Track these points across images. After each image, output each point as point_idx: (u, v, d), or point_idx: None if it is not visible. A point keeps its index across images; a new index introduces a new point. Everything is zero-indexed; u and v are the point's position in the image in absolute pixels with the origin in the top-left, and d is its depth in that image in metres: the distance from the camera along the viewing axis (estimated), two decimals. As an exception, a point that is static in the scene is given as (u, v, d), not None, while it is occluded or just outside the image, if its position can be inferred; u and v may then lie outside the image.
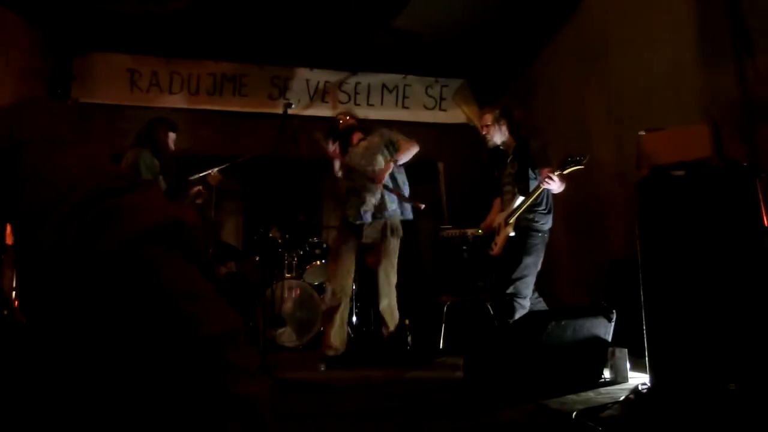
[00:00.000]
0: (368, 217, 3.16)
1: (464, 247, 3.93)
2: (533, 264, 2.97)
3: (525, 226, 3.01)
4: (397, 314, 3.20)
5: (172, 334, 0.55)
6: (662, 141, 2.11)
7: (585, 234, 3.84)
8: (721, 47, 2.63)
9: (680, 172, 1.97)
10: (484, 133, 3.20)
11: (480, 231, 3.50)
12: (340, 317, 3.11)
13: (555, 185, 2.80)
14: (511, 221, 2.99)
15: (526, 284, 2.92)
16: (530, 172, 3.03)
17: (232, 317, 0.63)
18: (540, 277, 3.07)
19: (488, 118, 3.18)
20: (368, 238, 3.19)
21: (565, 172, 2.76)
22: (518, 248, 2.99)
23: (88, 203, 0.55)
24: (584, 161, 2.73)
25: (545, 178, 2.79)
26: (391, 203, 3.20)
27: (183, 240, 0.62)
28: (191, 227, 0.64)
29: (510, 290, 2.89)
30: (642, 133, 2.25)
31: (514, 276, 2.91)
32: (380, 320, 3.23)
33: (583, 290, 3.78)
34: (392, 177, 3.23)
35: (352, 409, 2.19)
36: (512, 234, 2.99)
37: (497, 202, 3.24)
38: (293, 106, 3.06)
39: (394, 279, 3.21)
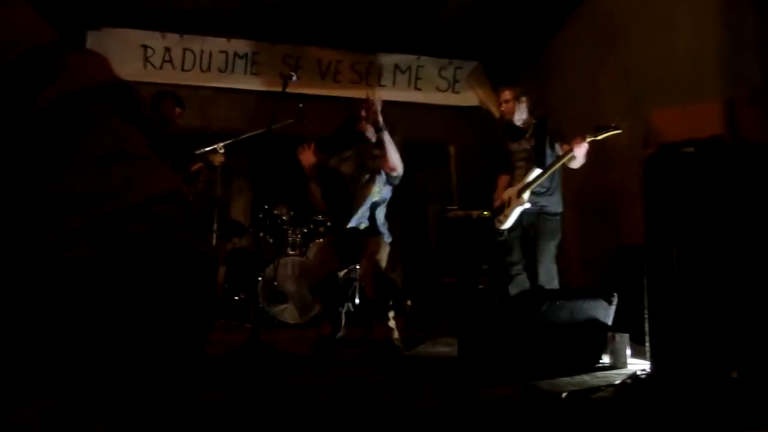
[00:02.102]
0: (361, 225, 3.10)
1: (469, 230, 3.88)
2: (554, 248, 3.02)
3: (538, 212, 3.01)
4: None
5: (112, 191, 0.51)
6: (672, 118, 2.02)
7: (598, 220, 3.75)
8: (745, 28, 2.50)
9: (690, 149, 1.88)
10: (502, 109, 3.19)
11: (486, 213, 3.47)
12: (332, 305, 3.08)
13: (581, 152, 2.81)
14: (525, 194, 2.97)
15: (553, 268, 2.98)
16: (547, 148, 3.01)
17: (174, 179, 0.58)
18: None
19: (508, 95, 3.19)
20: (350, 244, 3.07)
21: (599, 138, 2.78)
22: (536, 236, 3.01)
23: (33, 59, 0.51)
24: (623, 126, 2.70)
25: (577, 143, 2.79)
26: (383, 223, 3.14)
27: (130, 104, 0.57)
28: (138, 93, 0.60)
29: (544, 279, 2.93)
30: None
31: (542, 265, 2.95)
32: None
33: (593, 276, 3.70)
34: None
35: (343, 381, 2.20)
36: (528, 206, 2.97)
37: (504, 179, 3.23)
38: (294, 78, 3.01)
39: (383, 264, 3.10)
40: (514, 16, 4.35)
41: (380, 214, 3.15)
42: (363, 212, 3.11)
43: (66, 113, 0.52)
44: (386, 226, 3.17)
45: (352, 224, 3.10)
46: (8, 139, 0.50)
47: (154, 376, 0.52)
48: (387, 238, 3.13)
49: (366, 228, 3.10)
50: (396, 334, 2.87)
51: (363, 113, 3.14)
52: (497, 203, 3.20)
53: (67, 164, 0.51)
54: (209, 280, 0.55)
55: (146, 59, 4.55)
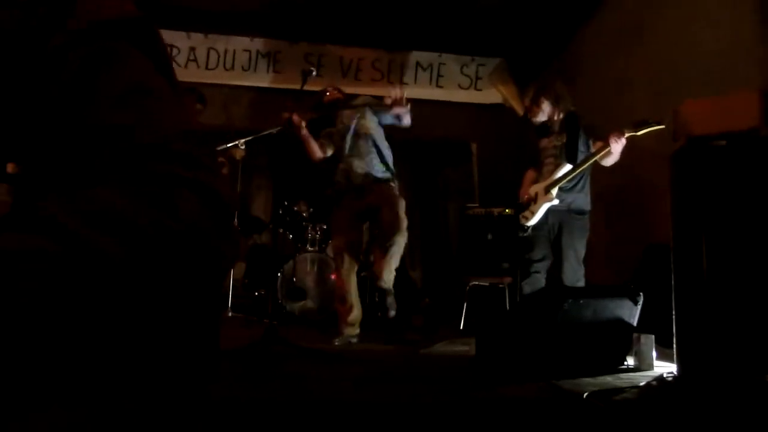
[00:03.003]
0: (377, 173, 3.12)
1: (489, 228, 3.82)
2: (582, 247, 2.96)
3: (566, 209, 2.95)
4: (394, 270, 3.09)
5: (133, 126, 0.49)
6: (703, 110, 1.93)
7: (625, 216, 3.64)
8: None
9: (721, 143, 1.79)
10: (528, 111, 3.15)
11: (508, 210, 3.41)
12: (349, 289, 3.07)
13: (618, 148, 2.73)
14: (553, 190, 2.91)
15: (579, 268, 2.93)
16: (580, 145, 2.94)
17: (192, 116, 0.57)
18: None
19: (527, 101, 3.20)
20: (371, 195, 3.10)
21: (639, 134, 2.67)
22: (561, 233, 2.95)
23: None
24: (664, 122, 2.59)
25: (615, 137, 2.72)
26: (385, 167, 3.17)
27: (149, 40, 0.55)
28: (157, 30, 0.58)
29: (569, 279, 2.88)
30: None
31: (568, 264, 2.89)
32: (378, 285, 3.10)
33: (620, 275, 3.60)
34: (378, 146, 3.18)
35: (360, 376, 2.18)
36: (556, 202, 2.92)
37: (531, 174, 3.17)
38: (314, 73, 3.02)
39: (405, 220, 3.09)
40: (538, 11, 4.27)
41: (387, 152, 3.20)
42: (369, 154, 3.13)
43: (85, 46, 0.50)
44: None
45: (378, 175, 3.12)
46: (27, 73, 0.49)
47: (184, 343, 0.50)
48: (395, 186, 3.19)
49: (377, 178, 3.13)
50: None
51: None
52: (524, 199, 3.14)
53: (86, 99, 0.49)
54: (231, 220, 0.52)
55: (172, 59, 4.65)
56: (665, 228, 2.70)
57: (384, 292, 3.02)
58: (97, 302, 0.42)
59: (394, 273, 3.06)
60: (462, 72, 5.11)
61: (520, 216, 3.09)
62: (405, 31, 4.74)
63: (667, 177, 2.01)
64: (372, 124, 3.20)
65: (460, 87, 5.12)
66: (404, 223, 3.05)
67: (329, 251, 4.02)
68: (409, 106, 3.09)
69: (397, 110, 3.08)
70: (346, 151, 3.16)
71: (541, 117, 3.09)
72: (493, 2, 4.22)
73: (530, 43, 4.73)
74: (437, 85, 5.09)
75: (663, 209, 2.98)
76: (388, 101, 3.11)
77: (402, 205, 3.13)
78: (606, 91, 3.97)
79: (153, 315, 0.46)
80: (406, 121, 3.16)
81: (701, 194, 1.89)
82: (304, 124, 3.17)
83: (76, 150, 0.48)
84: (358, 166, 3.12)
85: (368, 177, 3.10)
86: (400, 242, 3.03)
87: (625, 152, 2.84)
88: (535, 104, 3.09)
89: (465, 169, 5.37)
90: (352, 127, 3.17)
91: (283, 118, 3.14)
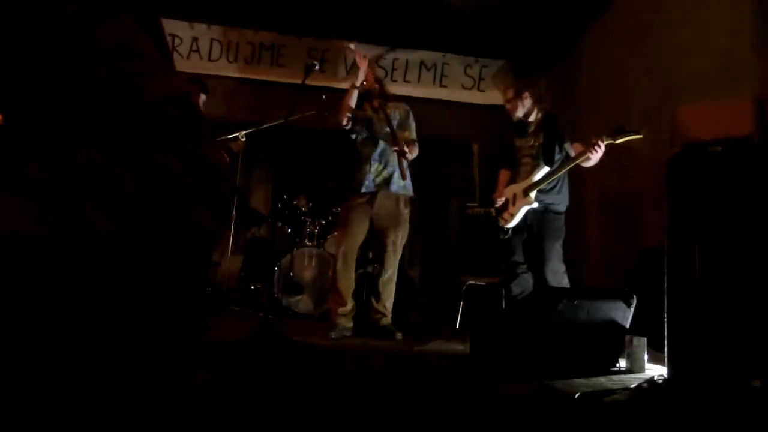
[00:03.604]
0: (393, 187, 3.12)
1: (488, 228, 3.84)
2: (560, 247, 2.95)
3: (543, 210, 2.95)
4: (393, 293, 3.15)
5: (120, 87, 0.46)
6: (699, 116, 1.95)
7: (621, 220, 3.66)
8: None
9: (717, 149, 1.81)
10: (507, 107, 3.14)
11: (493, 210, 3.43)
12: (346, 285, 3.09)
13: (597, 156, 2.73)
14: (532, 193, 2.91)
15: (560, 267, 2.92)
16: (557, 146, 2.93)
17: (183, 84, 0.54)
18: (571, 264, 3.00)
19: (510, 92, 3.16)
20: (383, 208, 3.12)
21: (617, 142, 2.69)
22: (541, 234, 2.94)
23: None
24: (643, 132, 2.60)
25: (593, 146, 2.71)
26: (403, 178, 3.17)
27: (141, 6, 0.53)
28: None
29: (553, 279, 2.88)
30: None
31: (549, 265, 2.89)
32: (375, 294, 3.16)
33: (615, 278, 3.62)
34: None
35: (353, 372, 2.20)
36: (535, 205, 2.92)
37: (505, 174, 3.17)
38: (316, 67, 3.03)
39: (400, 252, 3.16)
40: (541, 15, 4.28)
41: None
42: (394, 165, 3.11)
43: (72, 5, 0.48)
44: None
45: (393, 189, 3.11)
46: (11, 30, 0.46)
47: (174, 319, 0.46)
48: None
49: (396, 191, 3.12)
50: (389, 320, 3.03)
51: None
52: (500, 201, 3.13)
53: (72, 58, 0.47)
54: (221, 188, 0.49)
55: (174, 48, 4.65)
56: (660, 232, 2.73)
57: (386, 329, 3.06)
58: (91, 289, 0.39)
59: (392, 300, 3.13)
60: (465, 73, 5.12)
61: (499, 218, 3.10)
62: (410, 29, 4.74)
63: (663, 182, 2.03)
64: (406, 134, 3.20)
65: (464, 87, 5.14)
66: (401, 250, 3.15)
67: (328, 247, 4.04)
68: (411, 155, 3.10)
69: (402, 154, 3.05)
70: (374, 154, 3.13)
71: (520, 112, 3.07)
72: (496, 4, 4.23)
73: (533, 46, 4.75)
74: (441, 85, 5.11)
75: (658, 214, 3.01)
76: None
77: (407, 231, 3.17)
78: (607, 94, 3.99)
79: (141, 298, 0.43)
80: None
81: (696, 200, 1.91)
82: (364, 81, 3.16)
83: (57, 109, 0.45)
84: (381, 173, 3.11)
85: (386, 187, 3.11)
86: (396, 266, 3.13)
87: (621, 157, 2.86)
88: (518, 97, 3.07)
89: (466, 168, 5.39)
90: (386, 131, 3.13)
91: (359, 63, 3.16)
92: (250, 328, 2.59)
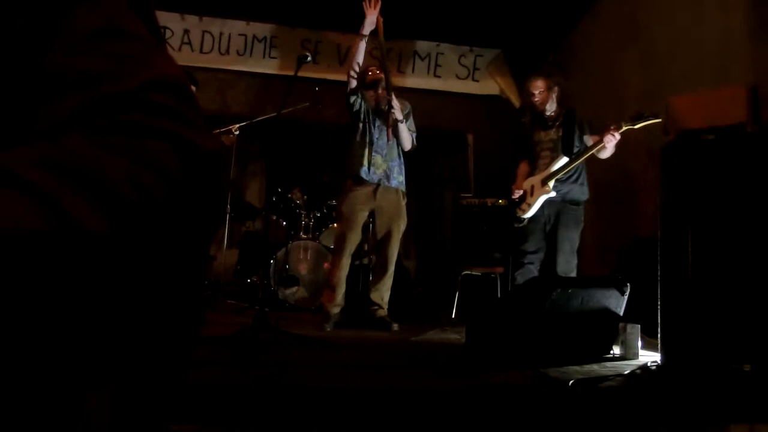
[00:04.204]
0: (394, 182, 3.12)
1: (483, 218, 3.85)
2: (577, 238, 3.02)
3: (561, 200, 3.00)
4: (390, 286, 3.16)
5: (105, 71, 0.43)
6: (693, 105, 1.95)
7: (616, 208, 3.69)
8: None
9: (710, 137, 1.82)
10: (536, 99, 3.14)
11: (501, 201, 3.45)
12: (345, 273, 3.10)
13: (613, 143, 2.78)
14: (550, 183, 2.96)
15: (572, 258, 2.98)
16: (575, 139, 3.00)
17: (176, 67, 0.49)
18: None
19: (542, 84, 3.15)
20: (386, 201, 3.11)
21: (636, 127, 2.73)
22: (557, 223, 3.00)
23: None
24: (662, 116, 2.62)
25: (611, 132, 2.76)
26: (401, 174, 3.18)
27: None
28: None
29: (563, 269, 2.93)
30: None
31: (562, 254, 2.94)
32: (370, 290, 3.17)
33: (609, 266, 3.65)
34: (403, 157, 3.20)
35: (351, 362, 2.21)
36: (553, 194, 2.97)
37: (524, 168, 3.20)
38: (308, 59, 3.00)
39: (398, 245, 3.18)
40: (536, 4, 4.25)
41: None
42: (394, 160, 3.11)
43: None
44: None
45: (393, 184, 3.11)
46: None
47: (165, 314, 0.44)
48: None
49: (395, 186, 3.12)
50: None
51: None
52: (518, 193, 3.16)
53: (49, 41, 0.43)
54: (216, 178, 0.46)
55: (165, 40, 4.59)
56: (653, 221, 2.74)
57: (382, 320, 3.08)
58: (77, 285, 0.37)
59: (389, 292, 3.14)
60: (460, 62, 5.09)
61: (517, 209, 3.13)
62: (404, 19, 4.71)
63: (657, 171, 2.04)
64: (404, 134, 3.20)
65: (458, 77, 5.11)
66: (399, 240, 3.16)
67: (323, 239, 4.04)
68: (397, 106, 3.05)
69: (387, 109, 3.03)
70: (375, 145, 3.11)
71: (549, 106, 3.10)
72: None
73: (528, 36, 4.72)
74: (435, 75, 5.07)
75: (651, 202, 3.04)
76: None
77: (406, 224, 3.18)
78: (600, 84, 3.98)
79: (132, 292, 0.41)
80: (405, 145, 3.16)
81: (689, 188, 1.92)
82: (372, 25, 3.10)
83: (38, 98, 0.42)
84: (381, 165, 3.10)
85: (386, 180, 3.11)
86: (396, 256, 3.13)
87: (618, 146, 2.88)
88: (550, 90, 3.10)
89: (461, 159, 5.38)
90: (389, 127, 3.11)
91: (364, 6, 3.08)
92: (247, 322, 2.60)
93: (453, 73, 5.09)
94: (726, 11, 2.73)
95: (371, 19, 3.10)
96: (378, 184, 3.10)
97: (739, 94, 1.84)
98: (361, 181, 3.09)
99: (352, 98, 3.17)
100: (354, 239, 3.10)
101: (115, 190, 0.38)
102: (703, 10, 2.93)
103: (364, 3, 3.14)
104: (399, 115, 3.06)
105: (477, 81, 5.13)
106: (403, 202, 3.18)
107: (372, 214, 3.18)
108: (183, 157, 0.43)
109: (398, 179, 3.15)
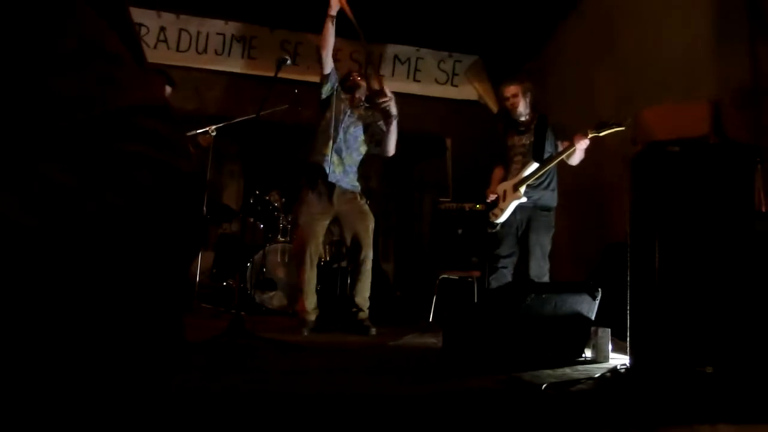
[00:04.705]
0: (348, 186, 3.12)
1: (460, 222, 3.90)
2: (548, 243, 3.08)
3: (532, 206, 3.05)
4: (369, 285, 3.17)
5: (87, 94, 0.43)
6: (660, 117, 2.03)
7: (589, 215, 3.78)
8: (738, 29, 2.51)
9: (675, 149, 1.89)
10: (510, 103, 3.19)
11: (479, 206, 3.51)
12: (313, 283, 3.11)
13: (582, 147, 2.87)
14: (521, 188, 3.01)
15: (545, 263, 3.03)
16: (547, 144, 3.07)
17: (160, 89, 0.52)
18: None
19: (515, 89, 3.20)
20: (345, 204, 3.11)
21: (601, 134, 2.81)
22: (529, 229, 3.06)
23: None
24: (626, 124, 2.71)
25: (579, 138, 2.84)
26: (356, 180, 3.20)
27: (112, 5, 0.49)
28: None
29: (535, 273, 2.98)
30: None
31: (534, 259, 3.00)
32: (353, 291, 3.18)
33: (581, 273, 3.74)
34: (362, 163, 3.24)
35: (329, 368, 2.21)
36: (524, 200, 3.02)
37: (499, 172, 3.26)
38: (288, 62, 3.00)
39: (372, 241, 3.18)
40: (514, 11, 4.34)
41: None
42: (351, 166, 3.13)
43: (35, 4, 0.43)
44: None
45: (345, 185, 3.10)
46: None
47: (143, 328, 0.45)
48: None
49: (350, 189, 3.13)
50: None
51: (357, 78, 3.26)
52: (492, 197, 3.22)
53: (34, 60, 0.43)
54: (195, 198, 0.48)
55: (140, 38, 4.51)
56: (624, 227, 2.83)
57: (361, 324, 3.09)
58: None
59: (369, 291, 3.13)
60: (439, 67, 5.15)
61: (490, 213, 3.19)
62: (384, 23, 4.73)
63: (627, 180, 2.11)
64: (367, 145, 3.23)
65: (437, 82, 5.17)
66: (371, 238, 3.14)
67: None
68: (392, 96, 3.03)
69: (382, 101, 3.01)
70: (336, 144, 3.10)
71: (523, 110, 3.17)
72: (470, 0, 4.26)
73: (506, 43, 4.81)
74: (414, 79, 5.12)
75: (623, 210, 3.13)
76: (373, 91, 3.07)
77: (373, 220, 3.18)
78: (575, 92, 4.09)
79: (98, 301, 0.41)
80: (389, 148, 3.16)
81: (656, 196, 1.99)
82: (338, 5, 3.05)
83: (19, 119, 0.42)
84: (337, 166, 3.10)
85: (341, 183, 3.10)
86: (370, 256, 3.12)
87: (589, 154, 2.97)
88: (524, 96, 3.17)
89: (440, 163, 5.44)
90: (357, 134, 3.15)
91: None
92: (223, 326, 2.57)
93: (432, 78, 5.14)
94: (690, 27, 2.85)
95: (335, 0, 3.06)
96: (334, 186, 3.08)
97: (702, 108, 1.93)
98: (316, 185, 3.08)
99: (326, 87, 3.17)
100: (315, 250, 3.09)
101: (58, 194, 0.39)
102: (671, 24, 3.04)
103: None
104: (394, 110, 3.05)
105: (456, 86, 5.20)
106: (363, 202, 3.18)
107: (336, 221, 3.18)
108: (161, 180, 0.44)
109: (353, 183, 3.16)
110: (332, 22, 3.10)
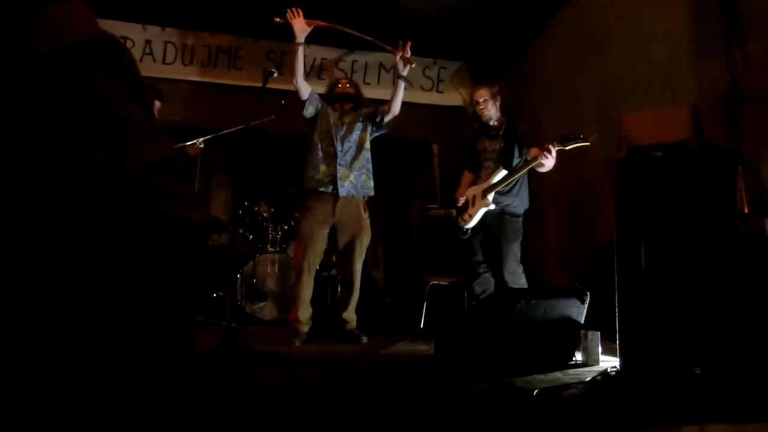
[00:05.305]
0: (354, 191, 3.13)
1: (449, 228, 3.92)
2: (518, 248, 3.05)
3: (501, 212, 3.04)
4: (357, 299, 3.18)
5: (101, 159, 0.46)
6: (642, 122, 2.07)
7: (575, 221, 3.82)
8: (716, 35, 2.57)
9: (658, 153, 1.93)
10: (480, 107, 3.20)
11: (453, 211, 3.51)
12: (309, 293, 3.09)
13: (550, 161, 2.83)
14: (490, 195, 3.01)
15: (518, 268, 3.01)
16: (516, 150, 3.04)
17: (168, 146, 0.54)
18: (530, 262, 3.10)
19: (485, 93, 3.22)
20: (346, 215, 3.12)
21: (567, 148, 2.80)
22: (498, 235, 3.04)
23: (7, 10, 0.46)
24: (591, 139, 2.73)
25: (544, 151, 2.81)
26: (370, 179, 3.19)
27: (119, 63, 0.52)
28: (127, 52, 0.54)
29: (510, 279, 2.96)
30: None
31: (507, 266, 2.98)
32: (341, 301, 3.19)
33: (570, 276, 3.77)
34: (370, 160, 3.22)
35: (319, 379, 2.20)
36: (492, 206, 3.01)
37: (468, 176, 3.27)
38: (275, 74, 3.00)
39: (363, 257, 3.20)
40: (497, 17, 4.39)
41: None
42: (361, 168, 3.13)
43: (55, 69, 0.46)
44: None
45: (348, 191, 3.10)
46: None
47: (150, 367, 0.49)
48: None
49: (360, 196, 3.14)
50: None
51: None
52: (462, 200, 3.21)
53: (52, 127, 0.46)
54: (202, 245, 0.53)
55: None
56: (611, 231, 2.87)
57: (351, 333, 3.09)
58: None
59: (355, 303, 3.14)
60: (424, 74, 5.19)
61: (459, 218, 3.20)
62: (369, 32, 4.76)
63: (612, 184, 2.15)
64: (369, 137, 3.23)
65: (423, 89, 5.20)
66: (363, 253, 3.17)
67: (290, 252, 4.01)
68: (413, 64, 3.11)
69: (402, 65, 3.14)
70: (340, 158, 3.11)
71: (494, 114, 3.17)
72: (453, 8, 4.31)
73: (489, 49, 4.87)
74: (400, 87, 5.14)
75: (610, 213, 3.17)
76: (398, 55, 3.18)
77: (370, 235, 3.19)
78: (557, 99, 4.14)
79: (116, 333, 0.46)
80: (396, 107, 3.26)
81: (640, 200, 2.03)
82: (304, 31, 3.10)
83: (37, 182, 0.45)
84: (347, 178, 3.10)
85: (351, 192, 3.11)
86: (359, 269, 3.14)
87: (576, 159, 3.00)
88: (493, 100, 3.17)
89: (427, 169, 5.47)
90: (354, 136, 3.16)
91: (290, 19, 3.09)
92: (214, 338, 2.55)
93: (418, 85, 5.17)
94: (672, 34, 2.91)
95: (299, 27, 3.13)
96: (339, 197, 3.08)
97: (683, 114, 1.97)
98: (320, 196, 3.09)
99: (308, 109, 3.20)
100: (315, 259, 3.08)
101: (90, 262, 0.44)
102: (651, 33, 3.10)
103: (287, 15, 3.16)
104: (404, 72, 3.19)
105: (441, 92, 5.24)
106: (365, 215, 3.17)
107: (333, 229, 3.18)
108: (176, 233, 0.48)
109: (368, 185, 3.16)
110: (300, 49, 3.15)
